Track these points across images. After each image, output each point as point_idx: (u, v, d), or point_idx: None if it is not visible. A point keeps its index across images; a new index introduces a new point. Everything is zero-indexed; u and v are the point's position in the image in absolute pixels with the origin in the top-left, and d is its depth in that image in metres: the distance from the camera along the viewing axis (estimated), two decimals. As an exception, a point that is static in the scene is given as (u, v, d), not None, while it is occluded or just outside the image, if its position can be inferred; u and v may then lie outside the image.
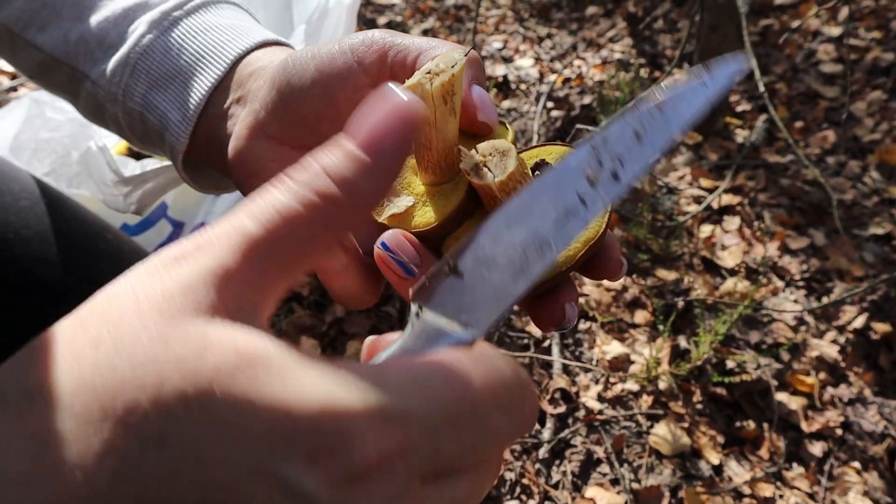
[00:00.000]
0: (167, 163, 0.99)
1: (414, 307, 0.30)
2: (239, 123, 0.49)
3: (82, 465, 0.22)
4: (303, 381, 0.23)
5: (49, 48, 0.59)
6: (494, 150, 0.39)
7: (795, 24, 2.50)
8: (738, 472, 1.28)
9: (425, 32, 2.57)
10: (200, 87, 0.52)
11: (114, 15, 0.57)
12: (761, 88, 1.50)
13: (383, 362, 0.28)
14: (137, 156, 1.28)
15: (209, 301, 0.25)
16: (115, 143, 1.29)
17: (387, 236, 0.40)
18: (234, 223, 0.26)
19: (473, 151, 0.39)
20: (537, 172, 0.42)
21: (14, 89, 2.11)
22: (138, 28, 0.55)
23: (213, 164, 0.56)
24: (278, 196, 0.26)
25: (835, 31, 2.48)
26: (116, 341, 0.24)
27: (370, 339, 0.34)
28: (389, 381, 0.25)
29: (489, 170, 0.38)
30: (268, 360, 0.23)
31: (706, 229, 1.78)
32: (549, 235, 0.30)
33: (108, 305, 0.25)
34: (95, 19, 0.58)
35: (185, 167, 0.57)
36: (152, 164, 1.00)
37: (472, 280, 0.30)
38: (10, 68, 2.19)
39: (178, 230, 1.32)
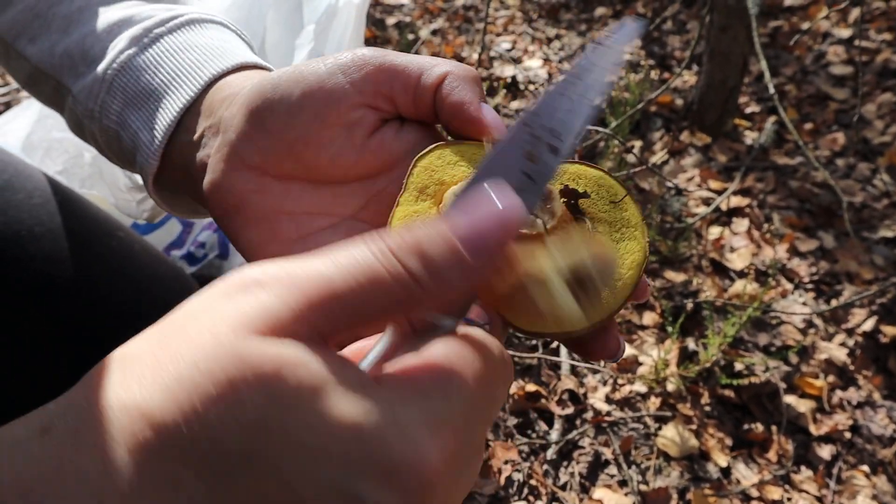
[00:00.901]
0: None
1: None
2: (213, 155, 0.46)
3: (172, 478, 0.24)
4: (365, 404, 0.25)
5: (36, 60, 0.58)
6: None
7: (805, 25, 2.49)
8: (746, 475, 1.27)
9: (434, 33, 2.57)
10: (171, 108, 0.50)
11: (99, 29, 0.56)
12: (771, 90, 1.49)
13: (406, 375, 0.28)
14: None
15: (283, 324, 0.25)
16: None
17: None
18: (317, 266, 0.27)
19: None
20: (565, 200, 0.39)
21: (25, 88, 2.12)
22: (119, 43, 0.54)
23: (188, 192, 0.53)
24: (369, 255, 0.27)
25: (845, 32, 2.47)
26: (196, 358, 0.24)
27: (351, 348, 0.34)
28: (423, 391, 0.27)
29: (536, 216, 0.35)
30: (335, 382, 0.25)
31: (715, 231, 1.78)
32: None
33: (185, 324, 0.26)
34: (81, 33, 0.56)
35: (161, 190, 0.55)
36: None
37: None
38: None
39: (187, 229, 1.33)
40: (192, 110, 0.50)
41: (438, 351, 0.28)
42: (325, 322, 0.26)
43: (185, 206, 0.59)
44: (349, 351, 0.34)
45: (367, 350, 0.32)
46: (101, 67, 0.53)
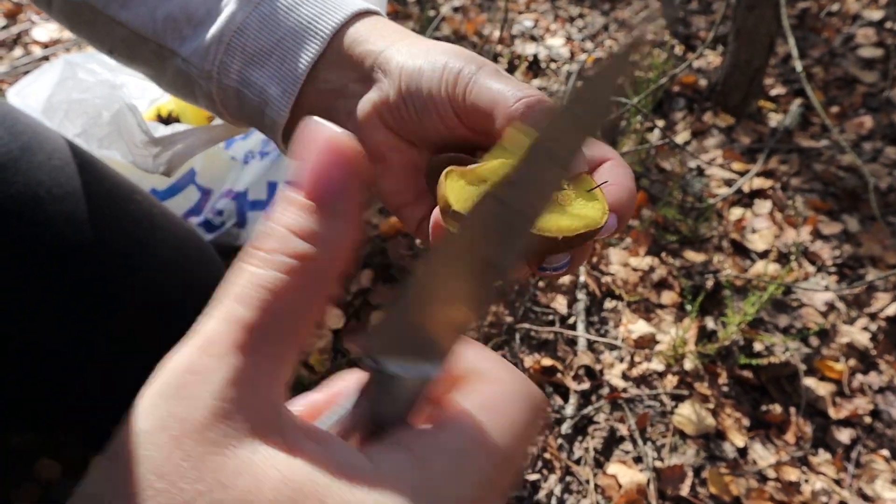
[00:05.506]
0: (196, 126, 0.98)
1: (369, 362, 0.27)
2: (359, 109, 0.51)
3: None
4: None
5: (134, 25, 0.59)
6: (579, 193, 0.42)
7: (835, 7, 2.44)
8: (763, 456, 1.26)
9: (456, 10, 2.55)
10: (302, 62, 0.52)
11: None
12: (799, 69, 1.46)
13: (420, 456, 0.25)
14: (166, 121, 1.28)
15: (241, 420, 0.23)
16: (144, 109, 1.30)
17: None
18: (226, 314, 0.24)
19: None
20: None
21: (46, 59, 2.13)
22: (229, 5, 0.55)
23: None
24: (257, 271, 0.24)
25: (876, 14, 2.42)
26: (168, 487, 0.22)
27: (300, 404, 0.30)
28: (432, 476, 0.24)
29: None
30: (315, 487, 0.22)
31: (736, 212, 1.75)
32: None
33: (146, 445, 0.23)
34: None
35: (283, 139, 0.58)
36: (181, 128, 1.00)
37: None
38: (42, 38, 2.21)
39: (206, 196, 1.33)
40: (326, 61, 0.53)
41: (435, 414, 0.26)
42: (266, 362, 0.24)
43: None
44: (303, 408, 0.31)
45: (319, 406, 0.30)
46: (215, 29, 0.55)
